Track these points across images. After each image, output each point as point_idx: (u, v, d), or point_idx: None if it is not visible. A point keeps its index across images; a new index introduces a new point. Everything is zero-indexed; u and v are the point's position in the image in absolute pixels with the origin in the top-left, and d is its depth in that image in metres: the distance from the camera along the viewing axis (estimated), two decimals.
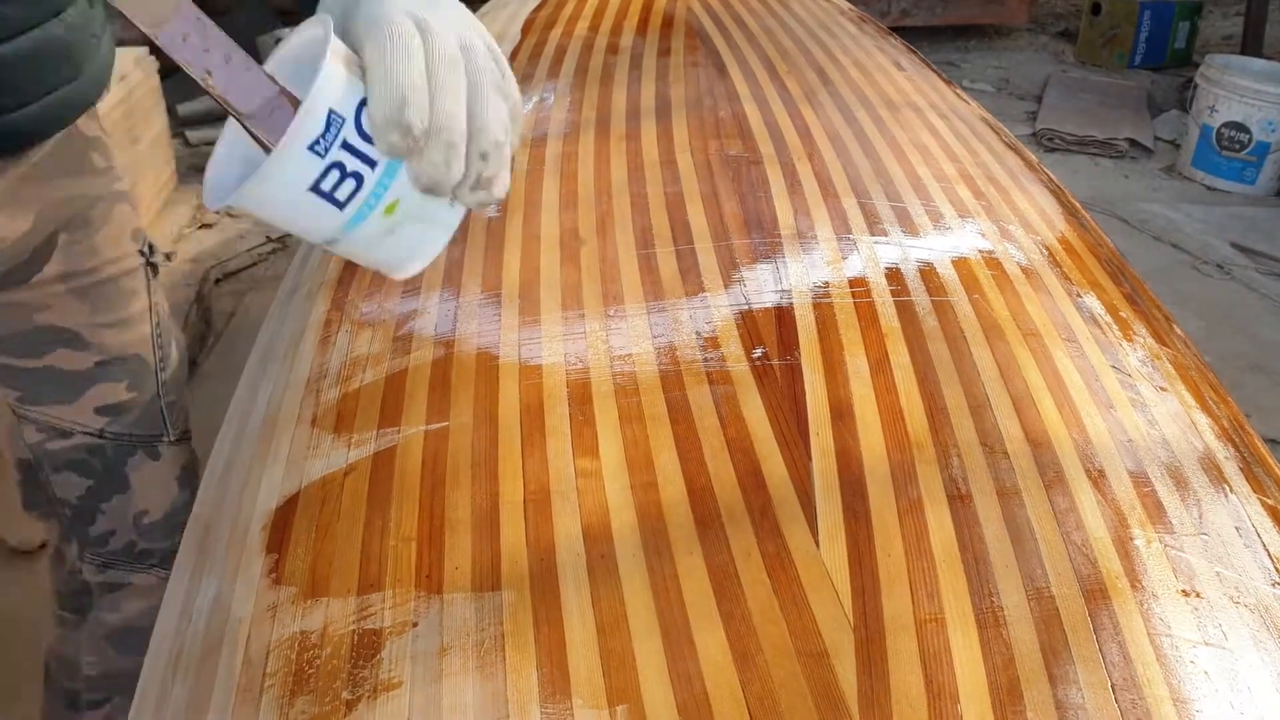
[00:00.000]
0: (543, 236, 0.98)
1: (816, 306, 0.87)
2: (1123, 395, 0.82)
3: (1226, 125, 3.49)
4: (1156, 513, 0.71)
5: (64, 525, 1.08)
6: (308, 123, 0.49)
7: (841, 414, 0.77)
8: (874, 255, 0.95)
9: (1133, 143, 3.84)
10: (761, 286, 0.90)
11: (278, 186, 0.50)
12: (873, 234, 0.99)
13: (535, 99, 1.33)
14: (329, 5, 0.59)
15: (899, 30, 1.99)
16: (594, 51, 1.49)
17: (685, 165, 1.11)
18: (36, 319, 0.96)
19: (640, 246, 0.96)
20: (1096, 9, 4.83)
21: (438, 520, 0.70)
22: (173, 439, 1.08)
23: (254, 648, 0.66)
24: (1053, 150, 3.83)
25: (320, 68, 0.50)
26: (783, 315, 0.86)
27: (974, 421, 0.76)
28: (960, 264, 0.95)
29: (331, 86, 0.50)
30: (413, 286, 0.94)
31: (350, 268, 1.02)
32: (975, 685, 0.59)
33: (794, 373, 0.80)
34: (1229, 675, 0.61)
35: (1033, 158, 1.34)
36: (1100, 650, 0.61)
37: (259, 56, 0.52)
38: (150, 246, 1.04)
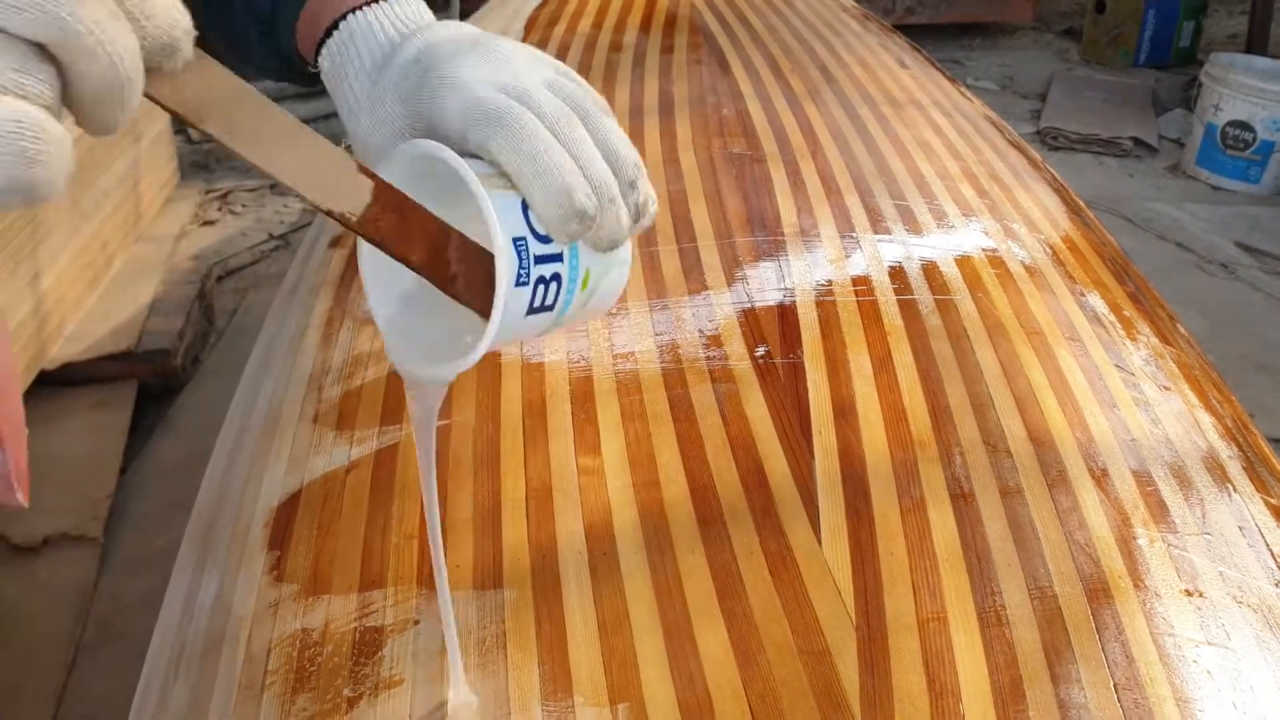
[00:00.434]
0: None
1: (819, 304, 0.87)
2: (1126, 394, 0.82)
3: (1231, 124, 3.49)
4: (1160, 512, 0.71)
5: None
6: (506, 267, 0.46)
7: (844, 412, 0.76)
8: (877, 253, 0.95)
9: (1137, 141, 3.83)
10: (764, 284, 0.90)
11: (499, 333, 0.48)
12: (876, 232, 0.99)
13: None
14: (359, 55, 0.54)
15: (903, 28, 1.99)
16: (597, 49, 1.49)
17: (688, 163, 1.11)
18: None
19: (643, 244, 0.96)
20: (1101, 7, 4.83)
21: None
22: None
23: (255, 645, 0.66)
24: (1057, 149, 3.83)
25: (481, 202, 0.46)
26: (785, 313, 0.86)
27: (977, 420, 0.76)
28: (963, 262, 0.95)
29: (504, 215, 0.46)
30: None
31: (352, 265, 1.02)
32: (977, 684, 0.58)
33: (797, 371, 0.80)
34: (1232, 675, 0.61)
35: (1036, 156, 1.34)
36: (1103, 649, 0.61)
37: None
38: None
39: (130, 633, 1.66)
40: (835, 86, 1.36)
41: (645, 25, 1.59)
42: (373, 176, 0.45)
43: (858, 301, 0.88)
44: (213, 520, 0.83)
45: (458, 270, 0.48)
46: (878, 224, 1.00)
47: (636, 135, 1.18)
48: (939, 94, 1.44)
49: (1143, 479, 0.74)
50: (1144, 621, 0.63)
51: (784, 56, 1.46)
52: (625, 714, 0.57)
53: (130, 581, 1.78)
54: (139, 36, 0.36)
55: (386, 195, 0.46)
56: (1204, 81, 3.63)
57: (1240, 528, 0.72)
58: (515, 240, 0.47)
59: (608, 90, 1.32)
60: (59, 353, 2.19)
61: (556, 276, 0.49)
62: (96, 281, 2.44)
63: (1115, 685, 0.59)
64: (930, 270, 0.93)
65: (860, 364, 0.81)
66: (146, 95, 0.38)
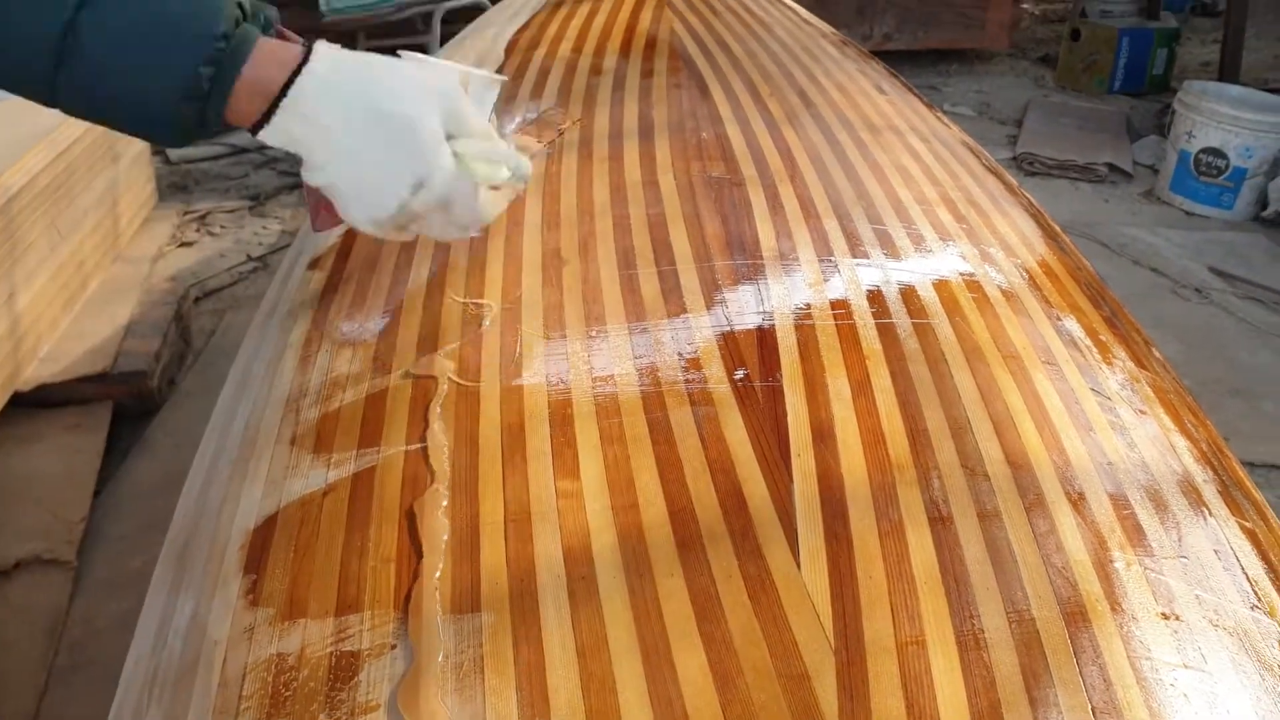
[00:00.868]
0: (525, 256, 0.98)
1: (798, 328, 0.87)
2: (1102, 418, 0.83)
3: (1204, 151, 3.53)
4: (1136, 535, 0.71)
5: None
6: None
7: (823, 436, 0.77)
8: (855, 277, 0.96)
9: (1112, 167, 3.87)
10: (743, 308, 0.90)
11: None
12: (854, 256, 0.99)
13: (519, 119, 1.33)
14: None
15: (880, 54, 2.01)
16: (577, 73, 1.50)
17: (668, 186, 1.11)
18: None
19: (622, 267, 0.96)
20: (1076, 35, 4.89)
21: (417, 541, 0.70)
22: None
23: (230, 670, 0.66)
24: (1033, 174, 3.86)
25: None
26: (764, 336, 0.86)
27: (955, 444, 0.77)
28: (941, 286, 0.96)
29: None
30: (393, 306, 0.94)
31: (331, 287, 1.01)
32: (956, 708, 0.58)
33: (775, 394, 0.80)
34: (1208, 698, 0.61)
35: (1013, 181, 1.35)
36: (1080, 673, 0.61)
37: None
38: None
39: (104, 657, 1.65)
40: (814, 111, 1.37)
41: (625, 50, 1.60)
42: None
43: (836, 325, 0.88)
44: (188, 543, 0.83)
45: None
46: (856, 248, 1.01)
47: (616, 159, 1.19)
48: (916, 119, 1.45)
49: (1119, 502, 0.74)
50: (1121, 645, 0.63)
51: (763, 81, 1.47)
52: None
53: (104, 605, 1.76)
54: None
55: None
56: (1177, 109, 3.67)
57: (1216, 551, 0.72)
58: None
59: (588, 114, 1.33)
60: (34, 374, 2.17)
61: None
62: (73, 302, 2.42)
63: (1093, 709, 0.59)
64: (908, 294, 0.94)
65: (839, 387, 0.81)
66: None
